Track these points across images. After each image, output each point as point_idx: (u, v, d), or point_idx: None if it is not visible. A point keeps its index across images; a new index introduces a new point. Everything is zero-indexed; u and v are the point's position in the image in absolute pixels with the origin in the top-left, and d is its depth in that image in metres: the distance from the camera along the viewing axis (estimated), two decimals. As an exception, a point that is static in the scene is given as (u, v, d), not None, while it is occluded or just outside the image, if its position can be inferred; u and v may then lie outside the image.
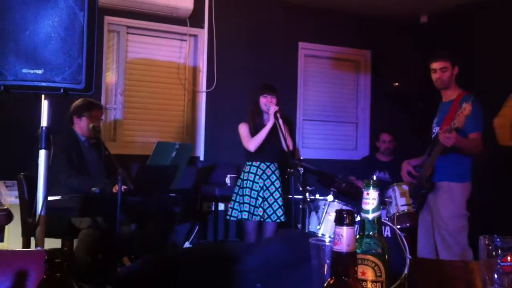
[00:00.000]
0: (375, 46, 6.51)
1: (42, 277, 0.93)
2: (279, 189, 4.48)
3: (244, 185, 4.46)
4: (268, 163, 4.48)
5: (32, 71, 2.53)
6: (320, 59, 6.50)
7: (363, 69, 6.71)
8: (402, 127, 5.87)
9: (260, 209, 4.39)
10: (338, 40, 6.39)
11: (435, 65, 4.02)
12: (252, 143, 4.43)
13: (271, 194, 4.44)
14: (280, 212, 4.42)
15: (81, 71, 2.55)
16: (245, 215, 4.38)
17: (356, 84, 6.75)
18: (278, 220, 4.41)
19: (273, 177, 4.49)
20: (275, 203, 4.43)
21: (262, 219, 4.40)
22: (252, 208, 4.39)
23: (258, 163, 4.47)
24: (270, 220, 4.40)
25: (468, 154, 3.93)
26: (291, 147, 4.35)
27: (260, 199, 4.40)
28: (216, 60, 5.73)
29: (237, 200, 4.48)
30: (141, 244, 4.06)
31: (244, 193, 4.44)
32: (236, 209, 4.46)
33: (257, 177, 4.44)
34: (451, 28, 5.92)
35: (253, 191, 4.42)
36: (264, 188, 4.43)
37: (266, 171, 4.47)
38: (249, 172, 4.48)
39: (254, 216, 4.37)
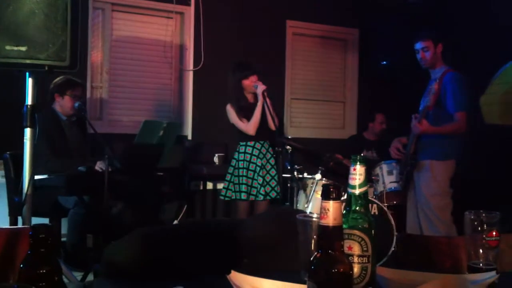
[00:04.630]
0: (363, 24, 6.48)
1: (27, 252, 0.92)
2: (275, 166, 4.47)
3: (240, 166, 4.41)
4: (262, 142, 4.47)
5: (16, 48, 2.50)
6: (308, 37, 6.47)
7: (351, 47, 6.69)
8: (390, 105, 5.87)
9: (262, 188, 4.37)
10: (326, 19, 6.36)
11: (417, 46, 4.06)
12: (251, 127, 4.39)
13: (268, 172, 4.44)
14: (278, 188, 4.41)
15: (65, 48, 2.52)
16: (244, 196, 4.34)
17: (344, 62, 6.73)
18: (278, 197, 4.40)
19: (268, 155, 4.48)
20: (272, 180, 4.43)
21: (263, 198, 4.37)
22: (249, 188, 4.37)
23: (253, 142, 4.44)
24: (269, 198, 4.40)
25: (450, 135, 3.99)
26: (277, 125, 4.36)
27: (261, 179, 4.38)
28: (203, 38, 5.68)
29: (232, 180, 4.43)
30: (128, 223, 4.06)
31: (240, 174, 4.40)
32: (231, 189, 4.43)
33: (253, 157, 4.41)
34: (440, 5, 5.90)
35: (249, 171, 4.39)
36: (262, 167, 4.42)
37: (261, 150, 4.46)
38: (244, 152, 4.44)
39: (251, 196, 4.36)
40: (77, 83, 4.22)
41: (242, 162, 4.41)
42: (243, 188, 4.36)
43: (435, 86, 3.71)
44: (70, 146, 4.18)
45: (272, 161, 4.48)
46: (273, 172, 4.45)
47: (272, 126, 4.36)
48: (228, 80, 4.50)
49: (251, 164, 4.40)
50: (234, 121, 4.45)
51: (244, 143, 4.46)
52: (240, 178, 4.39)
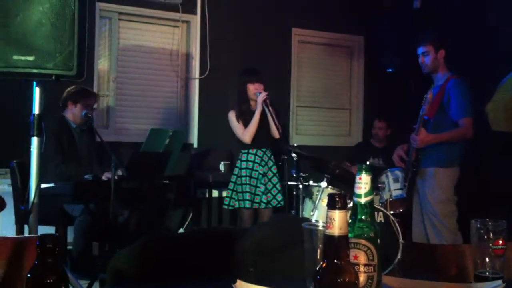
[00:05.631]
0: (368, 31, 6.49)
1: (34, 262, 0.93)
2: (277, 174, 4.47)
3: (243, 174, 4.41)
4: (264, 149, 4.47)
5: (23, 58, 2.51)
6: (313, 45, 6.48)
7: (357, 55, 6.70)
8: (396, 112, 5.87)
9: (264, 196, 4.37)
10: (332, 26, 6.37)
11: (419, 50, 4.07)
12: (246, 135, 4.39)
13: (269, 180, 4.43)
14: (280, 197, 4.41)
15: (73, 57, 2.54)
16: (248, 204, 4.34)
17: (349, 70, 6.73)
18: (279, 205, 4.39)
19: (270, 163, 4.48)
20: (274, 188, 4.42)
21: (265, 206, 4.37)
22: (253, 196, 4.37)
23: (255, 150, 4.45)
24: (270, 206, 4.39)
25: (455, 142, 3.97)
26: (281, 133, 4.37)
27: (262, 186, 4.38)
28: (209, 46, 5.69)
29: (235, 189, 4.43)
30: (134, 231, 4.07)
31: (243, 182, 4.39)
32: (234, 198, 4.42)
33: (255, 164, 4.41)
34: (445, 12, 5.90)
35: (252, 179, 4.39)
36: (263, 174, 4.41)
37: (263, 158, 4.46)
38: (246, 160, 4.44)
39: (254, 204, 4.36)
40: (90, 92, 4.30)
41: (244, 170, 4.41)
42: (247, 196, 4.36)
43: (429, 96, 3.70)
44: (80, 153, 4.22)
45: (274, 169, 4.48)
46: (274, 180, 4.45)
47: (276, 134, 4.37)
48: (232, 85, 4.53)
49: (253, 172, 4.40)
50: (233, 127, 4.47)
51: (246, 151, 4.46)
52: (243, 186, 4.39)
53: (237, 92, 4.49)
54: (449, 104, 3.93)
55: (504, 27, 5.26)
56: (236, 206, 4.40)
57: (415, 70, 4.32)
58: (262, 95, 4.31)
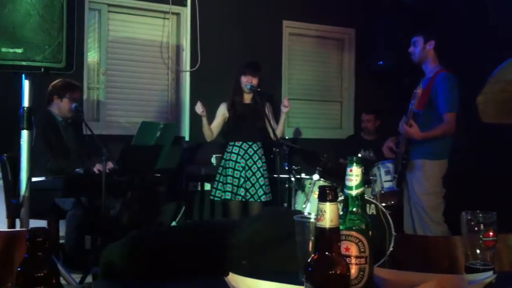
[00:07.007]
0: (359, 24, 6.49)
1: (24, 256, 0.92)
2: (261, 169, 4.48)
3: (227, 165, 4.46)
4: (250, 143, 4.49)
5: (11, 50, 2.49)
6: (304, 37, 6.47)
7: (348, 47, 6.69)
8: (386, 105, 5.88)
9: (242, 189, 4.40)
10: (323, 19, 6.36)
11: (412, 40, 4.11)
12: (205, 135, 4.53)
13: (253, 174, 4.45)
14: (261, 191, 4.43)
15: (62, 49, 2.52)
16: (228, 195, 4.40)
17: (340, 62, 6.73)
18: (259, 200, 4.42)
19: (256, 157, 4.49)
20: (257, 182, 4.45)
21: (244, 199, 4.41)
22: (235, 188, 4.40)
23: (240, 143, 4.49)
24: (253, 200, 4.42)
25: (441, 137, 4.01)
26: (278, 135, 4.39)
27: (243, 179, 4.41)
28: (200, 38, 5.67)
29: (220, 180, 4.49)
30: (126, 224, 4.06)
31: (227, 173, 4.44)
32: (220, 189, 4.47)
33: (239, 157, 4.45)
34: (436, 5, 5.91)
35: (235, 171, 4.43)
36: (247, 168, 4.44)
37: (248, 151, 4.48)
38: (231, 152, 4.49)
39: (237, 196, 4.40)
40: (76, 86, 4.27)
41: (229, 162, 4.47)
42: (228, 187, 4.40)
43: (418, 91, 3.74)
44: (68, 147, 4.20)
45: (259, 163, 4.49)
46: (258, 174, 4.47)
47: (272, 135, 4.39)
48: (226, 77, 4.60)
49: (237, 164, 4.44)
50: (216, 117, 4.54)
51: (232, 143, 4.52)
52: (227, 177, 4.44)
53: (234, 83, 4.54)
54: (436, 97, 3.96)
55: (500, 21, 5.27)
56: (222, 197, 4.46)
57: (406, 62, 4.34)
58: (199, 107, 4.36)
